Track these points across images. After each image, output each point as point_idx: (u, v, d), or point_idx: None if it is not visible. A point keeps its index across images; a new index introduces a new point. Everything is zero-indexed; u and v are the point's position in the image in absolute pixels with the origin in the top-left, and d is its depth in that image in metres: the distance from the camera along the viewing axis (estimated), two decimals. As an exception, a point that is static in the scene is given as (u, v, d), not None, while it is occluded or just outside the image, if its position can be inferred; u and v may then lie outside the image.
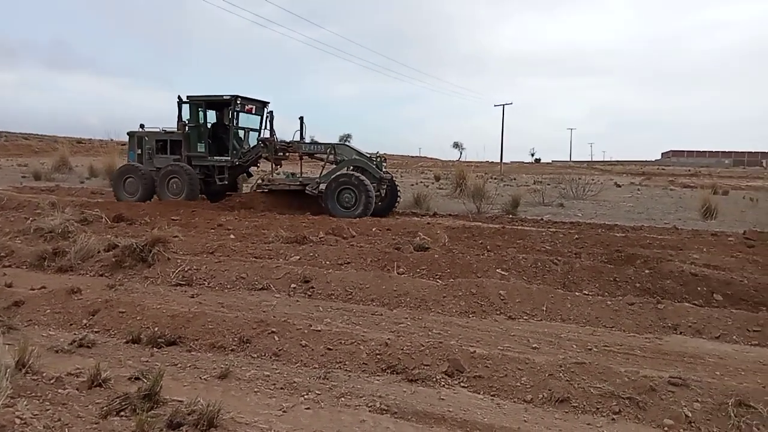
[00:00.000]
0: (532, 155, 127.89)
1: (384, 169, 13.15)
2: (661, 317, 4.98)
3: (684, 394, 3.36)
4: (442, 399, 3.42)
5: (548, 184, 25.25)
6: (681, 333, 4.79)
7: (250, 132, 14.50)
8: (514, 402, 3.43)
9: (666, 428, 3.15)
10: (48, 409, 2.90)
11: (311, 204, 12.75)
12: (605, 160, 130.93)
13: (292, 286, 5.75)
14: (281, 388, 3.50)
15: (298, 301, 5.45)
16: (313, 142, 13.77)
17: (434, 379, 3.66)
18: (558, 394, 3.42)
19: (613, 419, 3.23)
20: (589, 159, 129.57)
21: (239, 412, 3.14)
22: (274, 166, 14.01)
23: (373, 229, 9.33)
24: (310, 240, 7.93)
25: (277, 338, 4.18)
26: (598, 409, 3.32)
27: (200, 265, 6.19)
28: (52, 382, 3.27)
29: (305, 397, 3.39)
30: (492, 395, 3.51)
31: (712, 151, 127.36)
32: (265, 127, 14.31)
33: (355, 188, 12.07)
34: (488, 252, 7.63)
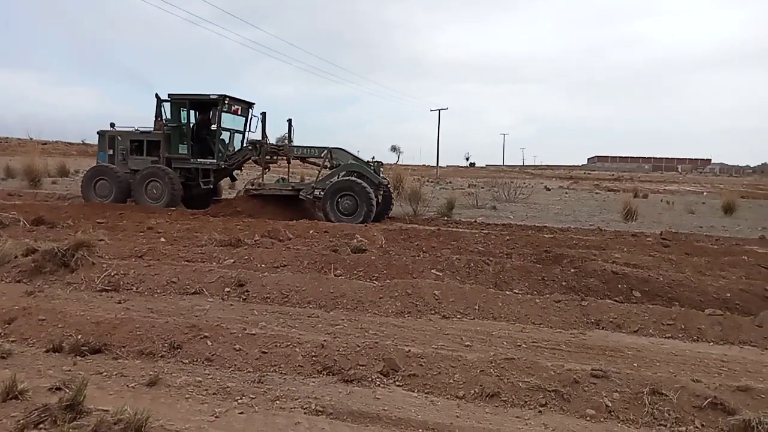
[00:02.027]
0: (467, 159, 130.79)
1: (381, 175, 12.86)
2: (585, 313, 5.24)
3: (605, 386, 3.56)
4: (378, 398, 3.46)
5: (482, 188, 25.95)
6: (603, 328, 5.06)
7: (235, 134, 13.88)
8: (447, 398, 3.52)
9: (588, 418, 3.32)
10: (-43, 425, 2.72)
11: (306, 210, 12.42)
12: (536, 164, 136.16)
13: (226, 289, 5.63)
14: (214, 394, 3.43)
15: (232, 305, 5.35)
16: (306, 146, 13.23)
17: (370, 379, 3.70)
18: (489, 389, 3.54)
19: (540, 411, 3.38)
20: (521, 163, 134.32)
21: (169, 419, 3.05)
22: (264, 170, 13.42)
23: (311, 232, 9.28)
24: (245, 243, 7.80)
25: (209, 343, 4.08)
26: (526, 402, 3.46)
27: (128, 270, 5.95)
28: (-38, 395, 3.06)
29: (239, 401, 3.34)
30: (426, 393, 3.59)
31: (633, 157, 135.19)
32: (250, 129, 13.83)
33: (356, 194, 11.73)
34: (424, 253, 7.77)
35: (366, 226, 10.52)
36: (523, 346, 4.52)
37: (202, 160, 13.28)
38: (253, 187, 12.97)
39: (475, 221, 13.56)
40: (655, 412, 3.31)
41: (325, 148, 12.92)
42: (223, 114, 13.10)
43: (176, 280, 5.78)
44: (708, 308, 5.42)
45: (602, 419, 3.31)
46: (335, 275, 6.25)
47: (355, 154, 12.91)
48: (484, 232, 10.69)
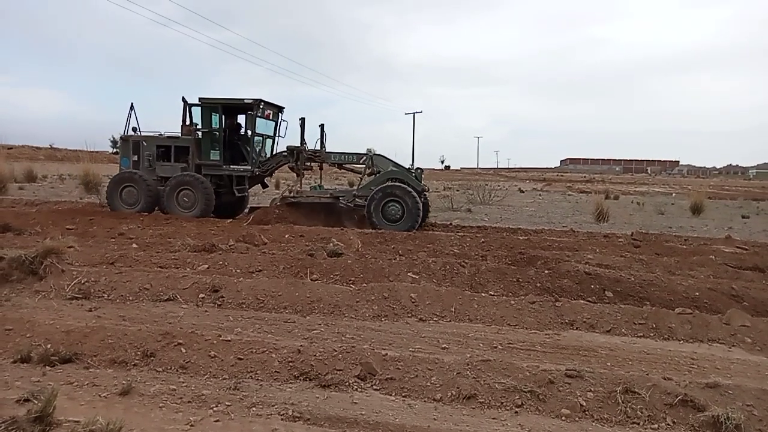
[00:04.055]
0: (442, 162, 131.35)
1: (422, 182, 12.61)
2: (559, 314, 5.31)
3: (579, 385, 3.62)
4: (355, 403, 3.46)
5: (457, 190, 26.14)
6: (577, 328, 5.13)
7: (266, 139, 13.43)
8: (425, 401, 3.53)
9: (563, 418, 3.37)
10: None
11: (345, 218, 12.23)
12: (510, 167, 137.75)
13: (201, 295, 5.56)
14: (188, 402, 3.38)
15: (206, 311, 5.28)
16: (344, 152, 12.88)
17: (347, 384, 3.68)
18: (465, 392, 3.56)
19: (516, 412, 3.41)
20: (495, 166, 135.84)
21: (143, 429, 3.00)
22: (301, 177, 13.01)
23: (286, 236, 9.22)
24: (219, 248, 7.70)
25: (184, 350, 4.02)
26: (502, 403, 3.49)
27: (99, 277, 5.83)
28: (-76, 409, 2.96)
29: (214, 409, 3.30)
30: (403, 396, 3.59)
31: (604, 159, 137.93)
32: (279, 134, 13.52)
33: (403, 201, 11.50)
34: (400, 256, 7.78)
35: (342, 229, 10.49)
36: (499, 347, 4.56)
37: (235, 166, 12.83)
38: (291, 195, 12.64)
39: (451, 224, 13.63)
40: (629, 411, 3.38)
41: (365, 154, 12.64)
42: (256, 119, 12.65)
43: (149, 286, 5.68)
44: (678, 307, 5.54)
45: (577, 419, 3.36)
46: (311, 280, 6.21)
47: (395, 160, 12.67)
48: (460, 234, 10.75)
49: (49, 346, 4.02)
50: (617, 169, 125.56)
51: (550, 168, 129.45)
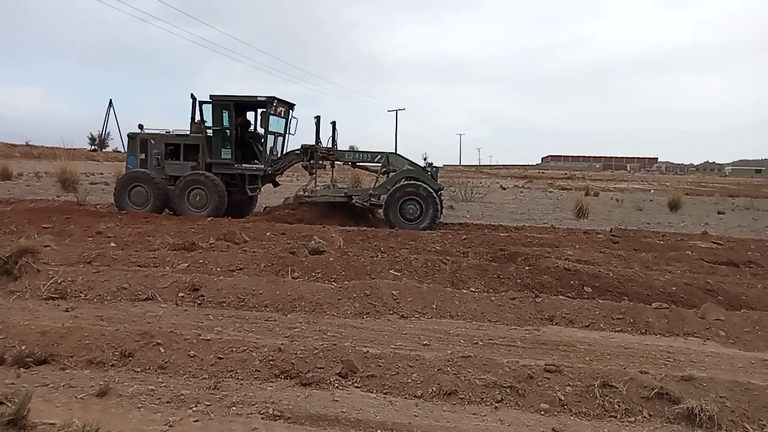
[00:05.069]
0: (425, 159, 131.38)
1: (438, 180, 12.51)
2: (539, 310, 5.36)
3: (558, 380, 3.66)
4: (336, 400, 3.46)
5: (440, 187, 26.16)
6: (556, 323, 5.19)
7: (278, 137, 13.15)
8: (406, 398, 3.54)
9: (542, 412, 3.41)
10: None
11: (359, 217, 12.18)
12: (492, 164, 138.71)
13: (180, 294, 5.50)
14: (167, 402, 3.35)
15: (186, 310, 5.23)
16: (359, 151, 12.80)
17: (328, 381, 3.68)
18: (446, 388, 3.58)
19: (496, 407, 3.44)
20: (478, 163, 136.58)
21: (120, 430, 2.96)
22: (314, 176, 12.78)
23: (267, 234, 9.17)
24: (199, 246, 7.63)
25: (162, 350, 3.98)
26: (482, 399, 3.51)
27: (76, 276, 5.74)
28: None
29: (194, 409, 3.27)
30: (384, 393, 3.60)
31: (585, 156, 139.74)
32: (290, 132, 13.30)
33: (421, 200, 11.41)
34: (382, 254, 7.78)
35: (324, 227, 10.46)
36: (480, 343, 4.59)
37: (247, 165, 12.61)
38: (305, 194, 12.49)
39: (433, 221, 13.65)
40: (606, 404, 3.43)
41: (380, 152, 12.58)
42: (269, 117, 12.39)
43: (127, 286, 5.61)
44: (655, 302, 5.63)
45: (556, 413, 3.40)
46: (293, 278, 6.19)
47: (411, 159, 12.62)
48: (441, 231, 10.79)
49: (23, 347, 3.95)
50: (597, 166, 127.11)
51: (532, 165, 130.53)
